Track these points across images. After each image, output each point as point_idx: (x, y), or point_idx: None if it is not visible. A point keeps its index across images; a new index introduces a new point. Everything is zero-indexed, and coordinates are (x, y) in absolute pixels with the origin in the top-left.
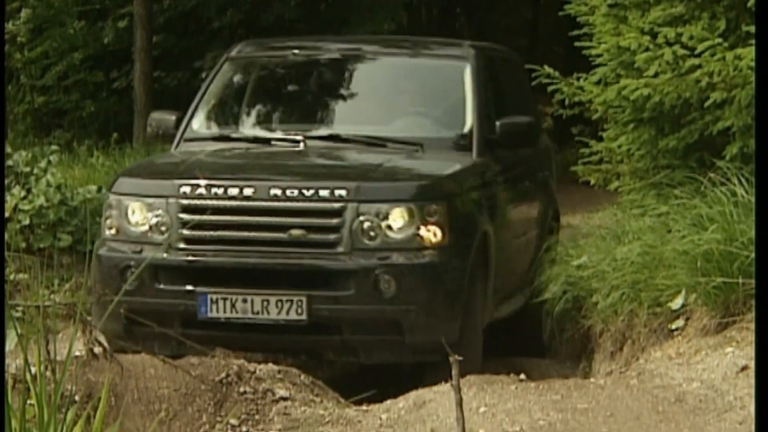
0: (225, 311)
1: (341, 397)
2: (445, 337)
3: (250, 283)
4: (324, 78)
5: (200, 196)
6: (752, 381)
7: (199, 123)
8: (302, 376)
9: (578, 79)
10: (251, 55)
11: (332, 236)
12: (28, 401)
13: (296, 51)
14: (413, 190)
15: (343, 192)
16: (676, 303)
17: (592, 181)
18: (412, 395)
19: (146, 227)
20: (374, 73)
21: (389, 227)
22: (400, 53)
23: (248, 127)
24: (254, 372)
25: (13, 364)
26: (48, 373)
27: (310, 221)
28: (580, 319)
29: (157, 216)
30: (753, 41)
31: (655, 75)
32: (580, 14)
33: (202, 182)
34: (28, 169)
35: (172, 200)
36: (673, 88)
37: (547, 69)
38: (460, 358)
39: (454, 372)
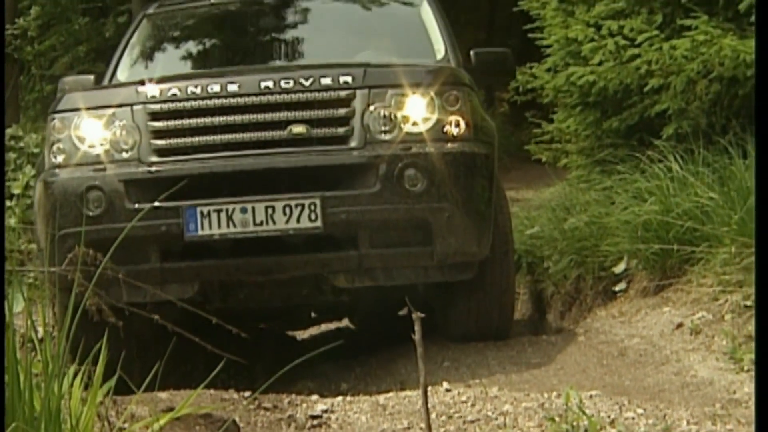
0: (219, 226)
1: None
2: (478, 248)
3: (247, 190)
4: (263, 22)
5: (174, 98)
6: (687, 337)
7: (125, 75)
8: (284, 336)
9: (531, 67)
10: (176, 8)
11: (341, 129)
12: (36, 358)
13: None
14: (430, 76)
15: (348, 78)
16: (619, 268)
17: (544, 159)
18: (385, 352)
19: (106, 145)
20: (327, 15)
21: (405, 117)
22: None
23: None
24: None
25: (24, 325)
26: (54, 333)
27: (313, 114)
28: (534, 283)
29: (120, 129)
30: (686, 33)
31: (600, 63)
32: (532, 9)
33: (175, 83)
34: (38, 150)
35: (138, 107)
36: (616, 75)
37: None
38: (422, 315)
39: (416, 327)
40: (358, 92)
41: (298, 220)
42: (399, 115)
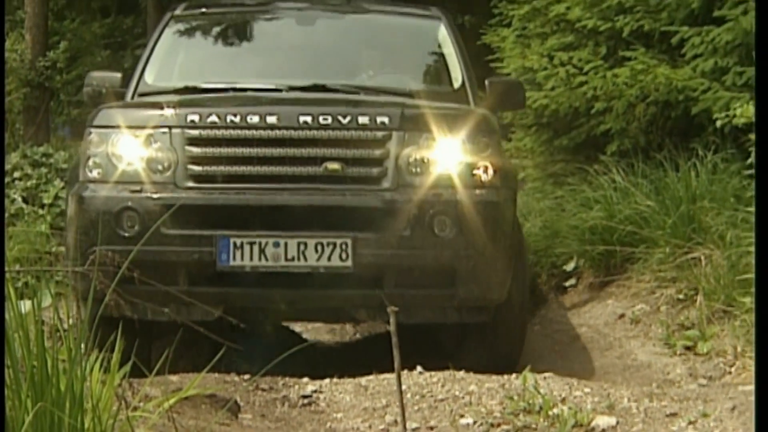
0: (251, 258)
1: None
2: (497, 294)
3: (279, 225)
4: (288, 33)
5: (212, 125)
6: (628, 326)
7: (153, 77)
8: (280, 326)
9: None
10: (203, 12)
11: (375, 170)
12: (62, 346)
13: (253, 7)
14: (463, 121)
15: (385, 119)
16: (570, 266)
17: None
18: (367, 342)
19: (142, 165)
20: (344, 29)
21: (437, 162)
22: (369, 10)
23: (215, 80)
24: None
25: (52, 318)
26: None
27: (349, 153)
28: None
29: (157, 151)
30: (627, 63)
31: (552, 89)
32: (494, 42)
33: (214, 110)
34: (66, 166)
35: (176, 131)
36: (566, 99)
37: None
38: (396, 309)
39: (392, 320)
40: (395, 134)
41: (329, 259)
42: (431, 159)
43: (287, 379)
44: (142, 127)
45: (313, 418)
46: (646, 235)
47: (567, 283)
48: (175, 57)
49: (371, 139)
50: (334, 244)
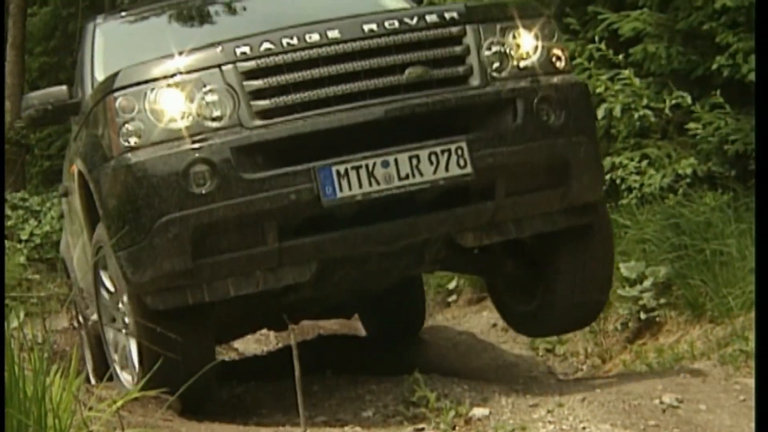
0: (361, 185)
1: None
2: (601, 185)
3: (381, 143)
4: (238, 10)
5: (269, 53)
6: (499, 333)
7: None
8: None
9: None
10: (129, 13)
11: (460, 68)
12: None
13: None
14: (522, 10)
15: (454, 14)
16: (451, 285)
17: None
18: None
19: (194, 116)
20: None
21: (517, 51)
22: None
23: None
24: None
25: (21, 334)
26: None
27: (429, 54)
28: None
29: (209, 93)
30: None
31: None
32: None
33: (264, 37)
34: (39, 208)
35: (227, 67)
36: None
37: None
38: (295, 326)
39: (291, 336)
40: (468, 28)
41: (446, 168)
42: (512, 48)
43: (220, 382)
44: (184, 72)
45: (242, 413)
46: None
47: (450, 299)
48: (122, 56)
49: (447, 36)
50: (449, 151)
